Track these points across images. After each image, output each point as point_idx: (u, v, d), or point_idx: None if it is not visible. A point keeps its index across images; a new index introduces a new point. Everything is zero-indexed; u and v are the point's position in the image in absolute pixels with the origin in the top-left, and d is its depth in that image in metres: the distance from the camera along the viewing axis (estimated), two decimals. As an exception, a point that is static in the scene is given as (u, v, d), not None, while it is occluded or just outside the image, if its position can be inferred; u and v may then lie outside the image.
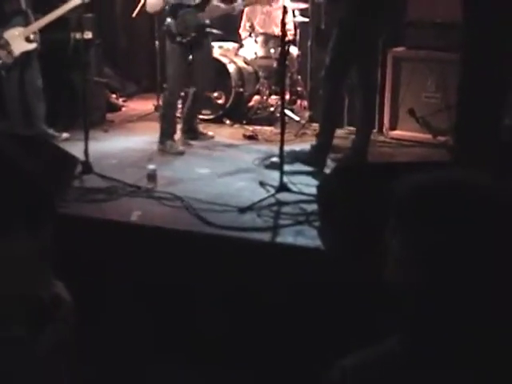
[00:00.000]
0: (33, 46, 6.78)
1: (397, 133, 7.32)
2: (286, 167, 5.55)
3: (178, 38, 6.67)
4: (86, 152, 5.69)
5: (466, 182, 1.52)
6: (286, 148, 5.69)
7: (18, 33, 6.70)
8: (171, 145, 6.75)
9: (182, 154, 6.69)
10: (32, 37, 6.76)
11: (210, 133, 7.45)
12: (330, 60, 6.03)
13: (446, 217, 1.46)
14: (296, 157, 6.01)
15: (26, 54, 6.77)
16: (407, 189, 1.57)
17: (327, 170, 5.81)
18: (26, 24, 6.77)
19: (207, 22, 6.90)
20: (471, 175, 1.55)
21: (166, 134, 6.81)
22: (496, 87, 5.26)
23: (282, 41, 5.86)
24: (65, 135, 6.87)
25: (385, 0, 6.08)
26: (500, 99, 5.35)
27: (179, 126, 7.15)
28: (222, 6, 7.25)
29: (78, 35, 6.73)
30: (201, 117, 7.81)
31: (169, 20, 6.70)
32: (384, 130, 7.36)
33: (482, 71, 5.21)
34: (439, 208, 1.48)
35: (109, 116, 8.29)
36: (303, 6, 8.19)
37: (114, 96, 9.12)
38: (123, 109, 9.03)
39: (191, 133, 7.26)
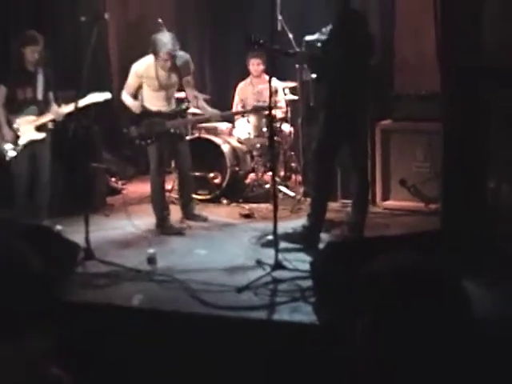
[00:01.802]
0: (41, 135, 6.98)
1: (389, 203, 7.51)
2: (282, 244, 5.74)
3: (137, 141, 7.04)
4: (87, 238, 5.86)
5: (413, 267, 1.67)
6: (282, 224, 5.88)
7: (31, 121, 6.92)
8: (168, 227, 6.96)
9: (181, 234, 6.88)
10: (41, 127, 6.98)
11: (204, 214, 7.62)
12: (318, 141, 6.24)
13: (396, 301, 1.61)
14: (289, 238, 6.15)
15: (36, 145, 6.98)
16: (367, 274, 1.72)
17: (321, 246, 5.95)
18: (40, 114, 6.99)
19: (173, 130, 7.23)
20: (418, 260, 1.70)
21: (160, 218, 7.02)
22: (478, 153, 5.46)
23: (269, 117, 6.08)
24: (58, 228, 6.80)
25: (369, 78, 6.28)
26: (482, 164, 5.55)
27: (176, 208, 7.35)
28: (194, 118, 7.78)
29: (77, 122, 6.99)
30: (198, 197, 8.02)
31: (132, 127, 7.04)
32: (377, 201, 7.53)
33: (463, 141, 5.43)
34: (390, 292, 1.63)
35: (109, 200, 8.47)
36: (292, 84, 8.45)
37: (113, 180, 9.31)
38: (123, 192, 9.19)
39: (190, 216, 7.44)
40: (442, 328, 1.56)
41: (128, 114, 7.13)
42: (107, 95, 7.07)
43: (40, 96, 7.00)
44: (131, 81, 7.08)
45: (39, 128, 6.98)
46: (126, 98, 7.08)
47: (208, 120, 8.01)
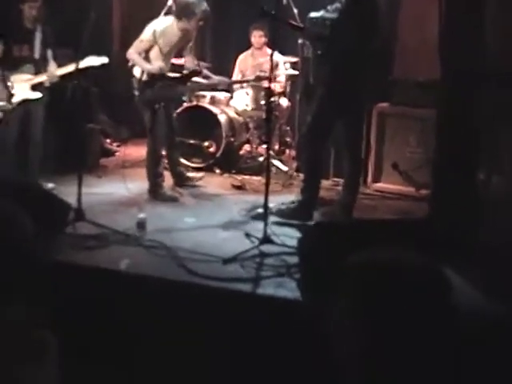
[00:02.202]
0: (36, 95, 6.92)
1: (380, 185, 7.57)
2: (272, 218, 5.80)
3: (156, 105, 6.91)
4: (79, 199, 5.87)
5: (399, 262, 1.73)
6: (273, 199, 5.93)
7: (25, 79, 6.86)
8: (162, 194, 6.99)
9: (174, 200, 6.94)
10: (37, 86, 6.93)
11: (199, 174, 7.73)
12: (313, 118, 6.26)
13: (382, 292, 1.67)
14: (282, 214, 6.20)
15: (31, 103, 6.94)
16: (355, 266, 1.77)
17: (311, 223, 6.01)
18: (36, 73, 6.93)
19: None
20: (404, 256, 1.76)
21: (154, 184, 7.04)
22: (469, 144, 5.51)
23: (268, 90, 6.08)
24: (50, 185, 6.95)
25: (371, 60, 6.30)
26: (473, 155, 5.60)
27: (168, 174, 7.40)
28: (204, 81, 7.59)
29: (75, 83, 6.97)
30: (191, 165, 8.07)
31: (148, 90, 6.93)
32: (368, 182, 7.60)
33: (456, 129, 5.48)
34: (377, 284, 1.68)
35: (102, 161, 8.53)
36: (294, 59, 8.47)
37: (107, 141, 9.33)
38: (117, 154, 9.23)
39: (179, 179, 7.52)
40: (423, 318, 1.62)
41: (130, 75, 7.08)
42: (104, 59, 7.02)
43: (37, 54, 6.92)
44: (146, 40, 6.95)
45: (34, 87, 6.93)
46: (139, 58, 6.93)
47: (215, 87, 7.97)
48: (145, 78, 6.90)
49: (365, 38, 6.01)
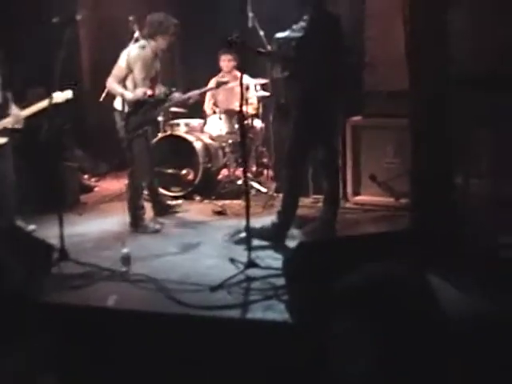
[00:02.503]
0: (3, 140, 6.83)
1: (360, 198, 7.61)
2: (255, 242, 5.82)
3: (139, 131, 6.98)
4: (61, 239, 5.88)
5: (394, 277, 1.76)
6: (254, 221, 5.95)
7: None
8: (144, 226, 7.00)
9: (157, 231, 6.93)
10: (3, 131, 6.82)
11: (179, 201, 7.82)
12: (289, 144, 6.29)
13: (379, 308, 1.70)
14: (256, 234, 6.17)
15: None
16: (353, 285, 1.80)
17: (293, 243, 6.01)
18: (1, 117, 6.84)
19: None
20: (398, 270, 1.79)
21: (136, 217, 7.03)
22: (445, 149, 5.57)
23: (240, 114, 6.09)
24: (31, 227, 6.93)
25: (340, 76, 6.35)
26: (449, 160, 5.65)
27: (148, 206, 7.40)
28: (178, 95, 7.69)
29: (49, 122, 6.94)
30: (171, 194, 8.10)
31: (131, 117, 6.97)
32: (348, 196, 7.63)
33: (430, 136, 5.54)
34: (373, 301, 1.72)
35: (82, 198, 8.52)
36: (264, 81, 8.51)
37: (85, 177, 9.34)
38: (96, 189, 9.24)
39: (160, 208, 7.54)
40: (415, 329, 1.66)
41: (102, 109, 7.10)
42: (68, 94, 6.98)
43: (0, 99, 6.85)
44: (122, 68, 7.00)
45: (0, 132, 6.83)
46: (120, 88, 6.99)
47: (187, 101, 8.03)
48: (127, 109, 6.96)
49: (329, 56, 6.06)
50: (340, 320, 1.77)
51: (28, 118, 7.03)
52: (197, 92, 8.06)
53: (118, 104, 7.05)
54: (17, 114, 6.92)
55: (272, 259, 5.63)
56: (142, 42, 7.10)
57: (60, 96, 6.81)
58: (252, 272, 5.38)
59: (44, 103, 6.67)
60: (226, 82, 8.40)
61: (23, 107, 7.02)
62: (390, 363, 1.66)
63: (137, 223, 6.99)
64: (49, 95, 6.40)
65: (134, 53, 7.00)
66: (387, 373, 1.66)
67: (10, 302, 1.87)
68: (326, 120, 6.30)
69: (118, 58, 7.13)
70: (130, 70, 6.99)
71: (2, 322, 1.84)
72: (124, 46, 7.69)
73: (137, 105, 6.95)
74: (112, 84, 7.03)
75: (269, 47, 7.65)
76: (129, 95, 6.94)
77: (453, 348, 1.71)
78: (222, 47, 8.22)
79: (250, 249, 5.53)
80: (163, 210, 7.55)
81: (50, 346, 1.95)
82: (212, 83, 9.15)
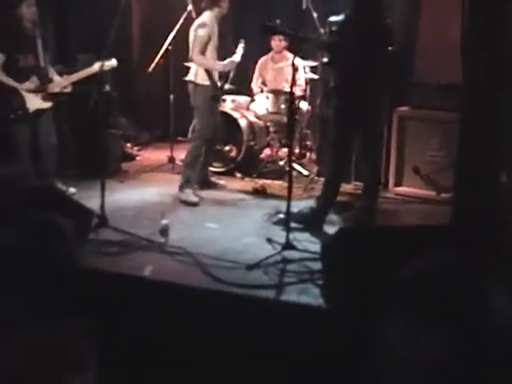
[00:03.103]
0: (47, 104, 6.96)
1: (402, 189, 7.55)
2: (294, 224, 5.80)
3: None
4: (102, 205, 5.94)
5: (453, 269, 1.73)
6: (294, 204, 5.93)
7: (35, 90, 6.85)
8: (189, 193, 7.05)
9: (196, 205, 6.95)
10: (48, 96, 6.95)
11: (222, 181, 7.80)
12: (333, 127, 6.27)
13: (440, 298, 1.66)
14: (293, 217, 6.16)
15: (42, 112, 6.95)
16: (408, 277, 1.76)
17: (331, 229, 5.99)
18: (44, 81, 6.94)
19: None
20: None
21: (188, 181, 7.12)
22: (492, 146, 5.49)
23: (290, 96, 6.07)
24: (72, 190, 7.05)
25: (387, 64, 6.28)
26: (496, 157, 5.58)
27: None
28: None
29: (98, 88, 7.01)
30: (212, 169, 8.09)
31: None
32: (389, 186, 7.59)
33: (479, 132, 5.46)
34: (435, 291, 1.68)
35: (124, 166, 8.57)
36: (313, 63, 8.46)
37: (128, 145, 9.39)
38: (138, 158, 9.29)
39: (205, 183, 7.57)
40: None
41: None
42: (113, 63, 7.02)
43: (42, 62, 6.93)
44: (204, 40, 7.05)
45: (45, 97, 6.94)
46: (209, 61, 7.19)
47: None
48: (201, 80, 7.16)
49: (369, 44, 6.00)
50: (393, 316, 1.72)
51: (76, 83, 7.09)
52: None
53: (196, 76, 7.17)
54: (59, 83, 7.01)
55: (310, 242, 5.61)
56: (205, 13, 7.14)
57: (106, 64, 6.84)
58: (289, 254, 5.38)
59: (90, 70, 6.77)
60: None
61: (71, 72, 7.08)
62: (455, 371, 1.60)
63: (184, 187, 7.08)
64: (97, 61, 6.46)
65: (208, 22, 7.07)
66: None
67: (63, 267, 1.86)
68: (365, 108, 6.22)
69: (173, 32, 7.16)
70: (209, 40, 7.07)
71: (49, 283, 1.83)
72: (176, 21, 7.71)
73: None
74: (201, 58, 7.10)
75: (321, 30, 7.61)
76: (219, 66, 7.30)
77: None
78: (263, 32, 8.16)
79: (288, 230, 5.52)
80: (206, 183, 7.57)
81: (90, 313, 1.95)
82: (261, 62, 9.15)
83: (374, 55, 6.10)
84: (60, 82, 7.06)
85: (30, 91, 6.82)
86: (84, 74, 6.98)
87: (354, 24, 6.06)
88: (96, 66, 6.71)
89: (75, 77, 7.03)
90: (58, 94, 7.10)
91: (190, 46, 7.10)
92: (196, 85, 7.14)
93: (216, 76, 7.20)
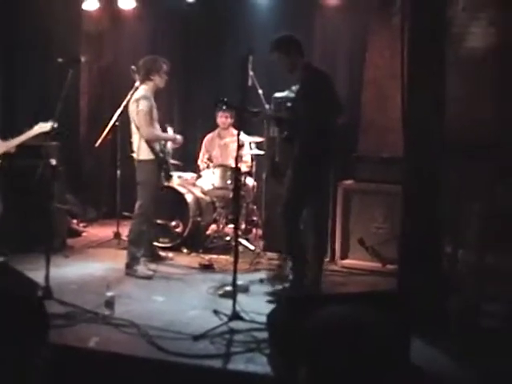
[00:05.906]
0: None
1: (348, 262, 7.62)
2: (240, 296, 5.80)
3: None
4: (46, 277, 5.86)
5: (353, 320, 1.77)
6: (241, 276, 5.94)
7: None
8: (140, 269, 7.02)
9: (150, 278, 6.94)
10: None
11: (170, 254, 7.81)
12: (286, 199, 6.32)
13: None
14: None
15: None
16: (312, 326, 1.81)
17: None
18: None
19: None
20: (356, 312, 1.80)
21: (135, 259, 7.07)
22: (433, 219, 5.59)
23: (236, 172, 6.15)
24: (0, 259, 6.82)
25: (334, 138, 6.41)
26: (439, 228, 5.68)
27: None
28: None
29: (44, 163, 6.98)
30: (159, 245, 8.06)
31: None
32: (335, 259, 7.64)
33: (421, 204, 5.56)
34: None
35: (69, 241, 8.49)
36: (259, 139, 8.57)
37: (74, 222, 9.34)
38: (84, 234, 9.24)
39: (153, 257, 7.54)
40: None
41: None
42: (53, 123, 6.96)
43: None
44: (151, 113, 7.13)
45: None
46: (160, 132, 7.34)
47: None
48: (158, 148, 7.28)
49: (324, 114, 6.14)
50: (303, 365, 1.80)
51: (21, 154, 7.09)
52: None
53: (139, 151, 7.19)
54: (6, 144, 7.01)
55: (256, 313, 5.59)
56: (143, 86, 7.21)
57: (45, 126, 6.85)
58: (236, 324, 5.36)
59: (30, 132, 6.84)
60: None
61: (13, 136, 7.08)
62: None
63: (133, 266, 7.03)
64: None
65: (149, 94, 7.17)
66: None
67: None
68: (317, 182, 6.34)
69: (120, 108, 7.23)
70: (151, 112, 7.16)
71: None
72: (122, 94, 7.78)
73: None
74: (152, 131, 7.18)
75: (267, 106, 7.75)
76: (168, 136, 7.50)
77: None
78: (215, 106, 8.31)
79: (235, 301, 5.51)
80: (153, 257, 7.55)
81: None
82: (207, 139, 9.28)
83: (329, 125, 6.24)
84: (5, 145, 7.01)
85: None
86: (25, 137, 6.95)
87: (308, 95, 6.19)
88: (36, 127, 6.81)
89: (16, 141, 7.00)
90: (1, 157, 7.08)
91: (135, 122, 7.16)
92: (139, 161, 7.18)
93: (158, 148, 7.23)
